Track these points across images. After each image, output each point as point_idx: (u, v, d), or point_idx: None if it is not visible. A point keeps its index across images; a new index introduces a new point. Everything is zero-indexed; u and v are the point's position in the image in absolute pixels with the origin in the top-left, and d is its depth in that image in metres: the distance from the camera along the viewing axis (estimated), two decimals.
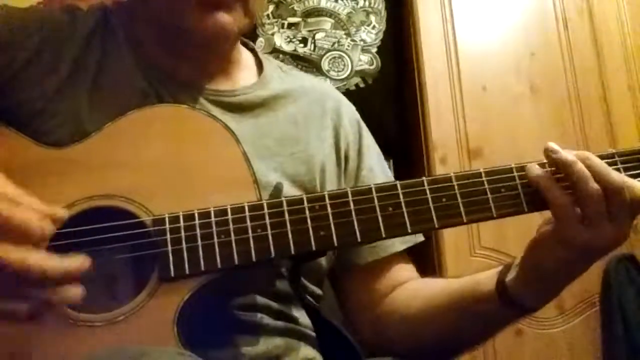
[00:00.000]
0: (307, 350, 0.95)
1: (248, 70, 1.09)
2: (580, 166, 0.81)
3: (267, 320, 0.92)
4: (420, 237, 1.06)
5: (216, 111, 0.97)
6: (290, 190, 0.95)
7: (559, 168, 0.82)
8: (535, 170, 0.84)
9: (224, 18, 0.94)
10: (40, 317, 0.71)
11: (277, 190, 0.89)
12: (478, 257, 2.14)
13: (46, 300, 0.70)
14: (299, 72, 1.22)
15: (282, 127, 1.03)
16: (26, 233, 0.68)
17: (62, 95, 0.94)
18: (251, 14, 0.99)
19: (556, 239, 0.82)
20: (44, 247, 0.71)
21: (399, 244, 1.05)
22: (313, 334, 0.98)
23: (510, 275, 0.88)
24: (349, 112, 1.13)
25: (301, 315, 0.97)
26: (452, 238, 2.14)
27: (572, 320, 2.14)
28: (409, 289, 1.04)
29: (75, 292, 0.71)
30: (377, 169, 1.10)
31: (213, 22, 0.93)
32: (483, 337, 1.00)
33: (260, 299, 0.92)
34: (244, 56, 1.10)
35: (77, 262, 0.71)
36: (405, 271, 1.06)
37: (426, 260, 2.14)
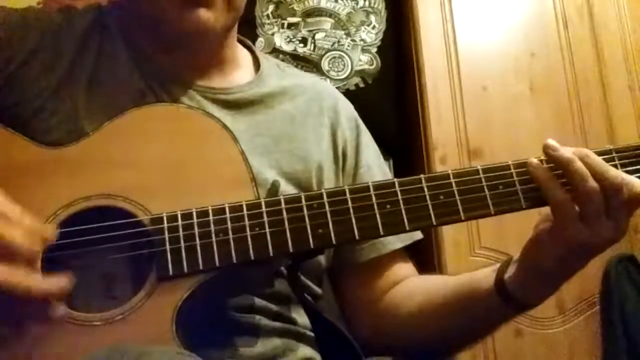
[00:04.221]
0: (305, 350, 0.95)
1: (244, 68, 1.09)
2: (579, 164, 0.81)
3: (265, 321, 0.92)
4: (418, 235, 1.06)
5: (213, 108, 0.98)
6: (287, 188, 0.95)
7: (557, 165, 0.82)
8: (535, 165, 0.84)
9: (205, 15, 0.94)
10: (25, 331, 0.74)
11: (274, 188, 0.89)
12: (478, 257, 2.13)
13: (30, 316, 0.73)
14: (297, 70, 1.22)
15: (278, 124, 1.03)
16: (15, 252, 0.69)
17: (60, 95, 0.94)
18: (234, 10, 0.98)
19: (554, 236, 0.83)
20: (35, 264, 0.72)
21: (397, 241, 1.05)
22: (312, 334, 0.98)
23: (509, 272, 0.88)
24: (347, 110, 1.13)
25: (299, 317, 0.97)
26: (452, 238, 2.14)
27: (572, 320, 2.14)
28: (408, 285, 1.04)
29: (57, 311, 0.73)
30: (375, 166, 1.10)
31: (194, 19, 0.93)
32: (481, 334, 1.01)
33: (258, 301, 0.92)
34: (241, 54, 1.11)
35: (60, 283, 0.72)
36: (404, 268, 1.07)
37: (426, 260, 2.14)
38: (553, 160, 0.83)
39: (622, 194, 0.80)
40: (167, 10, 0.93)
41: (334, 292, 1.09)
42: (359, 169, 1.08)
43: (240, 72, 1.08)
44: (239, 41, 1.11)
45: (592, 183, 0.80)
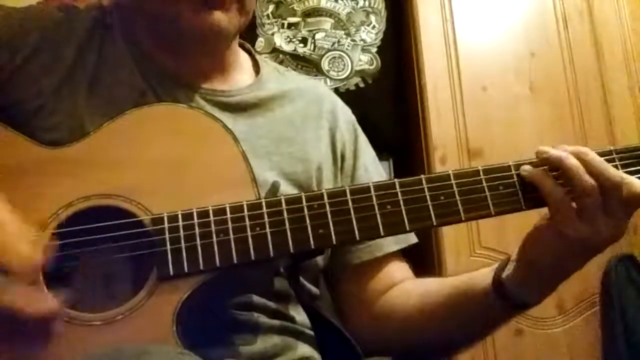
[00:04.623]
0: (304, 349, 0.95)
1: (245, 71, 1.10)
2: (572, 160, 0.81)
3: (263, 319, 0.92)
4: (414, 238, 1.07)
5: (214, 111, 0.98)
6: (286, 189, 0.95)
7: (552, 166, 0.83)
8: (528, 168, 0.85)
9: (220, 17, 0.94)
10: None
11: (274, 188, 0.89)
12: (478, 257, 2.14)
13: (27, 334, 0.74)
14: (295, 74, 1.23)
15: (278, 127, 1.03)
16: (12, 272, 0.71)
17: (61, 94, 0.94)
18: (247, 13, 0.99)
19: (553, 232, 0.83)
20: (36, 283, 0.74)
21: (393, 244, 1.05)
22: (311, 332, 0.98)
23: (507, 271, 0.88)
24: (345, 114, 1.14)
25: (298, 315, 0.97)
26: (452, 238, 2.14)
27: (572, 320, 2.14)
28: (404, 288, 1.04)
29: (56, 328, 0.75)
30: (372, 169, 1.10)
31: (209, 22, 0.94)
32: (480, 334, 1.01)
33: (257, 299, 0.92)
34: (241, 57, 1.11)
35: (54, 303, 0.74)
36: (400, 271, 1.06)
37: (426, 260, 2.14)
38: (547, 162, 0.84)
39: (621, 192, 0.81)
40: (182, 12, 0.94)
41: (331, 293, 1.09)
42: (357, 170, 1.08)
43: (240, 75, 1.08)
44: (239, 44, 1.12)
45: (588, 178, 0.80)
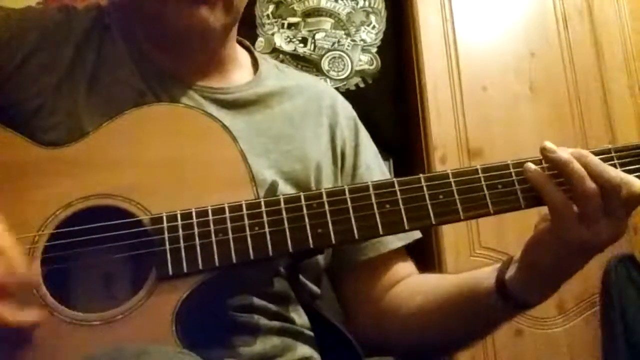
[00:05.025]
0: (304, 349, 0.95)
1: (244, 68, 1.10)
2: (577, 165, 0.81)
3: (263, 321, 0.92)
4: (417, 234, 1.06)
5: (212, 108, 0.98)
6: (285, 188, 0.95)
7: (555, 167, 0.83)
8: (532, 168, 0.84)
9: (206, 13, 0.94)
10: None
11: (272, 187, 0.89)
12: (478, 257, 2.13)
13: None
14: (295, 70, 1.22)
15: (277, 124, 1.03)
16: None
17: (60, 94, 0.94)
18: (235, 10, 0.99)
19: (553, 235, 0.83)
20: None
21: (396, 240, 1.05)
22: (310, 333, 0.98)
23: (510, 272, 0.88)
24: (345, 110, 1.14)
25: (298, 317, 0.97)
26: (452, 238, 2.14)
27: (572, 320, 2.14)
28: (409, 284, 1.04)
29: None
30: (374, 166, 1.10)
31: (195, 18, 0.94)
32: (482, 333, 1.01)
33: (257, 301, 0.92)
34: (240, 55, 1.11)
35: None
36: (404, 267, 1.07)
37: (426, 260, 2.14)
38: (550, 162, 0.83)
39: (621, 193, 0.80)
40: (168, 9, 0.94)
41: (335, 291, 1.09)
42: (358, 169, 1.08)
43: (239, 72, 1.08)
44: (238, 42, 1.12)
45: (590, 184, 0.80)
